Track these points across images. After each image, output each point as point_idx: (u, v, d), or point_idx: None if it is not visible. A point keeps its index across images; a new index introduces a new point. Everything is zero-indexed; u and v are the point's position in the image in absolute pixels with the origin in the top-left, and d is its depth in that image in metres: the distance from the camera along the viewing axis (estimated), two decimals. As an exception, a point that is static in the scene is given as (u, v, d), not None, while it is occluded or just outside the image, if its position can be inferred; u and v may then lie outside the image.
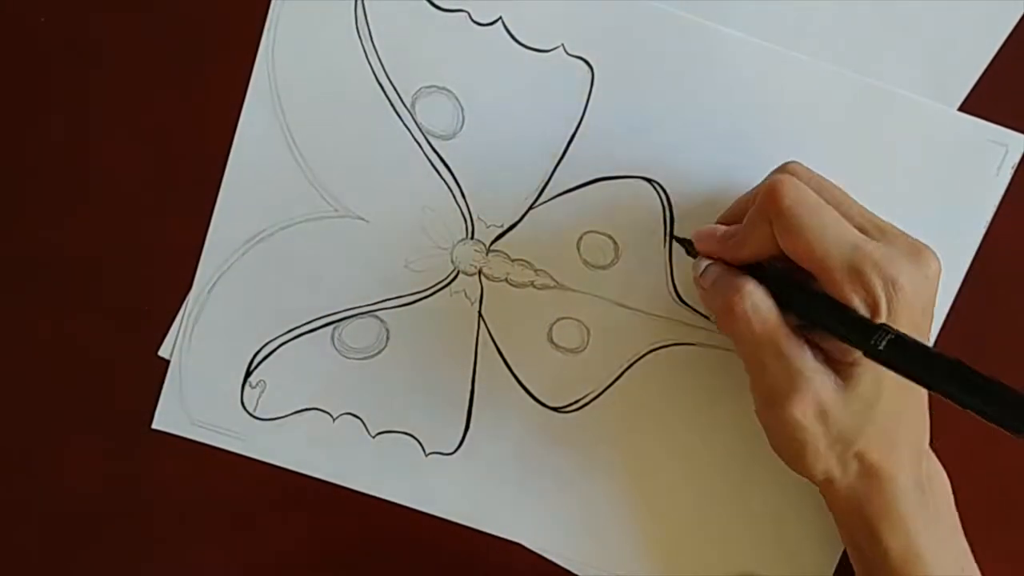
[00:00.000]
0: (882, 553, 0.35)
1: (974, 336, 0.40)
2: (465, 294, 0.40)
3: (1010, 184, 0.39)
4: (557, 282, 0.40)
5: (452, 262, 0.40)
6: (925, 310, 0.32)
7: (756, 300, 0.33)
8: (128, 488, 0.42)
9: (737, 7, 0.39)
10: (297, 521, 0.42)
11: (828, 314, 0.32)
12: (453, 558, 0.42)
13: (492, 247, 0.40)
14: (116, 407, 0.41)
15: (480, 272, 0.40)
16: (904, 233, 0.33)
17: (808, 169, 0.35)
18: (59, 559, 0.42)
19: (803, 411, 0.32)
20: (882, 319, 0.31)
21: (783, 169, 0.35)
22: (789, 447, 0.34)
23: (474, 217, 0.40)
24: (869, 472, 0.34)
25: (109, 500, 0.42)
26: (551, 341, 0.41)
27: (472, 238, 0.40)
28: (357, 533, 0.42)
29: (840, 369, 0.33)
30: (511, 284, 0.40)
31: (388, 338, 0.41)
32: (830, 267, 0.31)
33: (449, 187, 0.40)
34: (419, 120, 0.39)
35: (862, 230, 0.32)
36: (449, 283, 0.40)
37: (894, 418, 0.34)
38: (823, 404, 0.32)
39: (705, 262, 0.36)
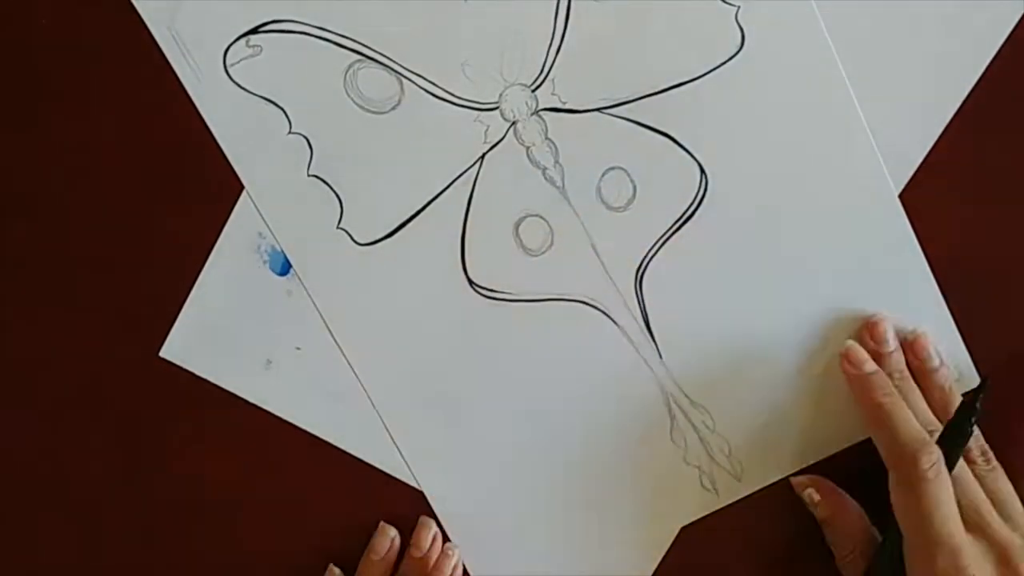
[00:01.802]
0: None
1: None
2: (487, 128, 0.38)
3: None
4: (561, 188, 0.39)
5: (500, 94, 0.37)
6: None
7: None
8: (127, 489, 0.41)
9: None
10: (296, 520, 0.41)
11: None
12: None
13: (541, 111, 0.38)
14: (116, 407, 0.41)
15: (514, 124, 0.38)
16: None
17: None
18: (58, 560, 0.42)
19: None
20: None
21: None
22: None
23: (552, 75, 0.38)
24: None
25: (108, 501, 0.41)
26: (515, 229, 0.39)
27: (535, 90, 0.38)
28: (358, 535, 0.41)
29: None
30: (528, 158, 0.38)
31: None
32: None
33: (554, 36, 0.37)
34: None
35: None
36: (483, 108, 0.37)
37: None
38: None
39: None
